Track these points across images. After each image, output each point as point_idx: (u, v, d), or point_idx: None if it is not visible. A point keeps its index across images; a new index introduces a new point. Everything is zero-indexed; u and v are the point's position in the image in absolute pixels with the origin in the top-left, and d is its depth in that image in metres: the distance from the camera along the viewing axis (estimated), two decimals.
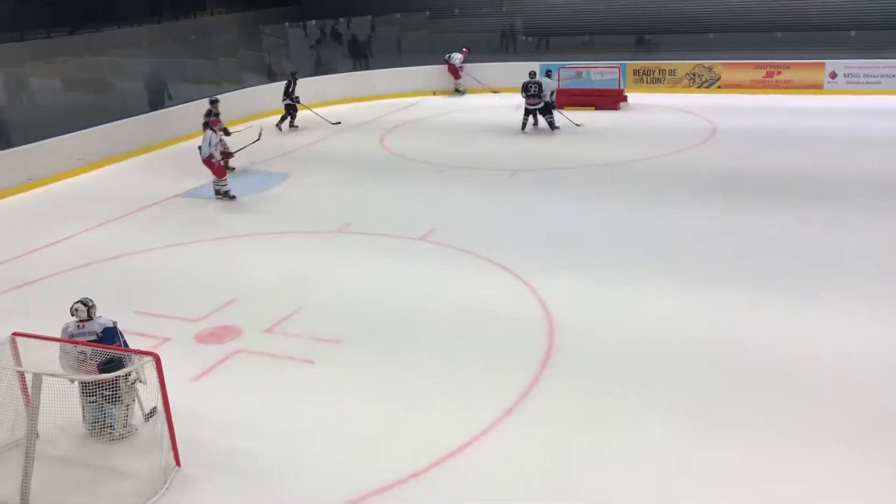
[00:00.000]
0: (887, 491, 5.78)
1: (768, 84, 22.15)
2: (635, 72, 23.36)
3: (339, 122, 20.42)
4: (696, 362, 7.68)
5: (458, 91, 24.29)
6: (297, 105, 19.97)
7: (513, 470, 6.21)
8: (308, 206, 13.67)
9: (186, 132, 19.80)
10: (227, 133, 15.82)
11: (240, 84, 22.63)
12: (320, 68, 24.92)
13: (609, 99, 21.17)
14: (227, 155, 13.81)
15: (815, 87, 21.63)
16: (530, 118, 18.78)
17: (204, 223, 12.95)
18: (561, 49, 25.17)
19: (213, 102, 16.25)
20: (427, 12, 26.07)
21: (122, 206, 14.00)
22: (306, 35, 26.48)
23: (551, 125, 18.68)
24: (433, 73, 24.54)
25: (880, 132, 16.89)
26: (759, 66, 22.25)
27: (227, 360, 8.17)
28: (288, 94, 19.82)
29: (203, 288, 10.10)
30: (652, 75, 23.37)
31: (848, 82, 21.46)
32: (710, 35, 23.04)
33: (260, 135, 15.31)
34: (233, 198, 13.99)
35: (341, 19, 26.87)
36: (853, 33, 21.63)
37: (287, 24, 25.77)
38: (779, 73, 22.08)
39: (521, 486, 6.02)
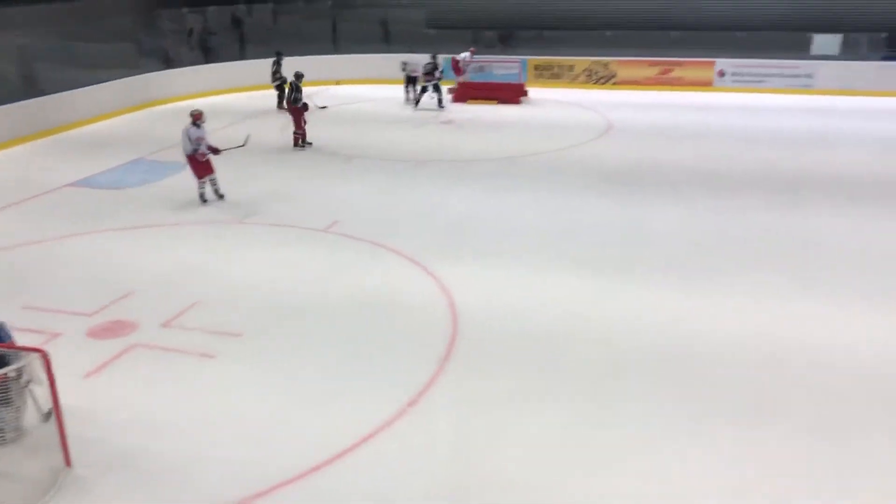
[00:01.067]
0: (772, 462, 6.17)
1: (661, 81, 23.04)
2: (536, 67, 23.83)
3: (326, 107, 20.12)
4: (593, 346, 8.00)
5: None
6: (285, 85, 19.66)
7: (414, 462, 6.29)
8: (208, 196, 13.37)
9: (79, 118, 19.06)
10: (307, 108, 16.27)
11: (136, 69, 21.89)
12: (212, 56, 24.26)
13: (510, 93, 21.58)
14: (214, 151, 12.85)
15: (705, 85, 22.66)
16: (424, 95, 20.54)
17: (98, 214, 12.51)
18: (465, 42, 25.36)
19: (299, 77, 16.19)
20: (330, 1, 25.82)
21: (9, 195, 13.39)
22: (205, 21, 25.77)
23: (439, 102, 20.52)
24: (338, 62, 24.36)
25: (763, 129, 17.84)
26: (652, 64, 23.11)
27: (122, 356, 7.97)
28: (275, 75, 19.74)
29: (96, 281, 9.79)
30: (552, 70, 23.89)
31: (735, 81, 22.57)
32: (608, 33, 23.72)
33: (246, 142, 14.39)
34: (204, 202, 12.93)
35: (241, 6, 26.31)
36: (740, 34, 22.70)
37: (186, 10, 25.02)
38: (671, 70, 22.99)
39: (423, 477, 6.12)
